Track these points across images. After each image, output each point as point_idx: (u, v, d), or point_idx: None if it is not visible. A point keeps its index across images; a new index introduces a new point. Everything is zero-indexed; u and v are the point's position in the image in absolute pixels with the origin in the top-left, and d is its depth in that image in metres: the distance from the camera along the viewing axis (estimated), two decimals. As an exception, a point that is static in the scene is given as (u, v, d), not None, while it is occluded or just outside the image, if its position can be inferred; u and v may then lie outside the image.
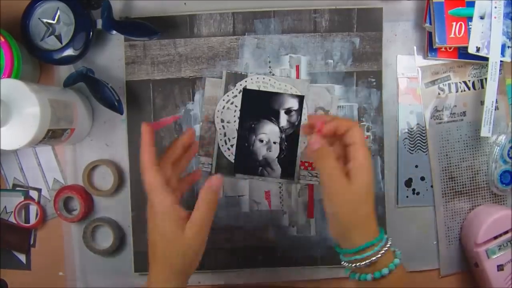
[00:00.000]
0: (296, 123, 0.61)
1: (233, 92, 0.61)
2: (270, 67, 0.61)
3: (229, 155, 0.62)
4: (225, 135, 0.61)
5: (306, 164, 0.62)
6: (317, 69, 0.62)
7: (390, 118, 0.63)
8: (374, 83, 0.62)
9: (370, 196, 0.48)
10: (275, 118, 0.61)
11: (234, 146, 0.61)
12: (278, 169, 0.62)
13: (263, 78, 0.61)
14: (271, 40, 0.61)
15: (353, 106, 0.62)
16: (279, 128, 0.61)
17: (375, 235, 0.47)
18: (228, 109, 0.61)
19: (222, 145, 0.61)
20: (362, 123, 0.62)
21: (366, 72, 0.62)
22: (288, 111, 0.61)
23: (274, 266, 0.62)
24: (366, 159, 0.48)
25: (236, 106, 0.61)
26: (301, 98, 0.61)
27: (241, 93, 0.61)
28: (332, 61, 0.62)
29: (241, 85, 0.61)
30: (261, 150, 0.62)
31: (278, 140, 0.61)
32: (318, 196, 0.62)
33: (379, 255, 0.46)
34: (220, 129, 0.61)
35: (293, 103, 0.61)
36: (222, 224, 0.62)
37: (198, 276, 0.63)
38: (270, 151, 0.62)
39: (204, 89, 0.61)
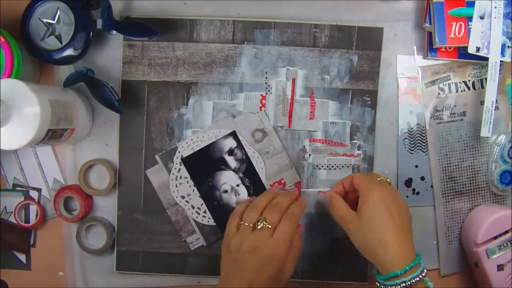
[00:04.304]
0: (244, 156, 0.61)
1: (175, 168, 0.61)
2: (266, 77, 0.61)
3: (208, 221, 0.62)
4: (192, 207, 0.62)
5: (276, 185, 0.62)
6: (313, 84, 0.62)
7: (390, 118, 0.63)
8: (369, 102, 0.62)
9: (380, 222, 0.51)
10: (224, 165, 0.61)
11: (207, 211, 0.62)
12: None
13: (191, 140, 0.61)
14: (269, 51, 0.61)
15: (346, 123, 0.62)
16: (233, 170, 0.61)
17: (406, 259, 0.50)
18: (181, 184, 0.61)
19: (197, 217, 0.62)
20: (353, 141, 0.62)
21: (362, 91, 0.62)
22: (230, 152, 0.61)
23: None
24: (371, 186, 0.53)
25: (185, 177, 0.61)
26: (233, 134, 0.61)
27: (182, 164, 0.61)
28: (328, 77, 0.62)
29: (177, 157, 0.61)
30: (231, 199, 0.62)
31: (239, 182, 0.62)
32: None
33: (412, 282, 0.48)
34: (185, 205, 0.62)
35: (230, 143, 0.61)
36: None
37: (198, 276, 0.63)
38: (238, 194, 0.62)
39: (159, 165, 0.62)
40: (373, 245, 0.51)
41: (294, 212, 0.54)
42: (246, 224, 0.53)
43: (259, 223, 0.52)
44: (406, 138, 0.63)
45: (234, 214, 0.56)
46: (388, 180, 0.56)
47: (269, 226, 0.52)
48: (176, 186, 0.62)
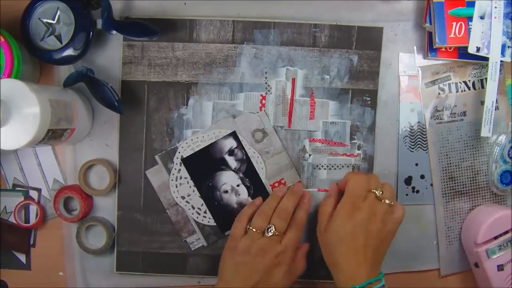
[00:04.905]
0: (244, 157, 0.61)
1: (175, 168, 0.61)
2: (266, 77, 0.61)
3: (208, 221, 0.62)
4: (193, 207, 0.62)
5: (276, 184, 0.62)
6: (313, 84, 0.62)
7: (390, 117, 0.62)
8: (369, 102, 0.62)
9: (340, 245, 0.54)
10: (224, 165, 0.61)
11: (207, 211, 0.62)
12: None
13: (191, 140, 0.61)
14: (269, 51, 0.61)
15: (346, 123, 0.62)
16: (233, 171, 0.61)
17: (354, 281, 0.51)
18: (181, 185, 0.61)
19: (197, 217, 0.62)
20: (353, 141, 0.62)
21: (362, 91, 0.62)
22: (231, 152, 0.61)
23: None
24: (342, 209, 0.55)
25: (185, 178, 0.61)
26: (233, 134, 0.61)
27: (182, 164, 0.61)
28: (328, 76, 0.62)
29: (177, 158, 0.61)
30: (232, 199, 0.62)
31: (239, 182, 0.62)
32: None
33: None
34: (185, 205, 0.62)
35: (230, 143, 0.61)
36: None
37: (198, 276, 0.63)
38: (239, 195, 0.62)
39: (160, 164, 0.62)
40: (329, 262, 0.56)
41: (299, 219, 0.58)
42: (254, 230, 0.55)
43: (269, 230, 0.55)
44: (407, 136, 0.63)
45: (240, 216, 0.58)
46: (379, 193, 0.55)
47: (277, 233, 0.55)
48: (176, 187, 0.62)
